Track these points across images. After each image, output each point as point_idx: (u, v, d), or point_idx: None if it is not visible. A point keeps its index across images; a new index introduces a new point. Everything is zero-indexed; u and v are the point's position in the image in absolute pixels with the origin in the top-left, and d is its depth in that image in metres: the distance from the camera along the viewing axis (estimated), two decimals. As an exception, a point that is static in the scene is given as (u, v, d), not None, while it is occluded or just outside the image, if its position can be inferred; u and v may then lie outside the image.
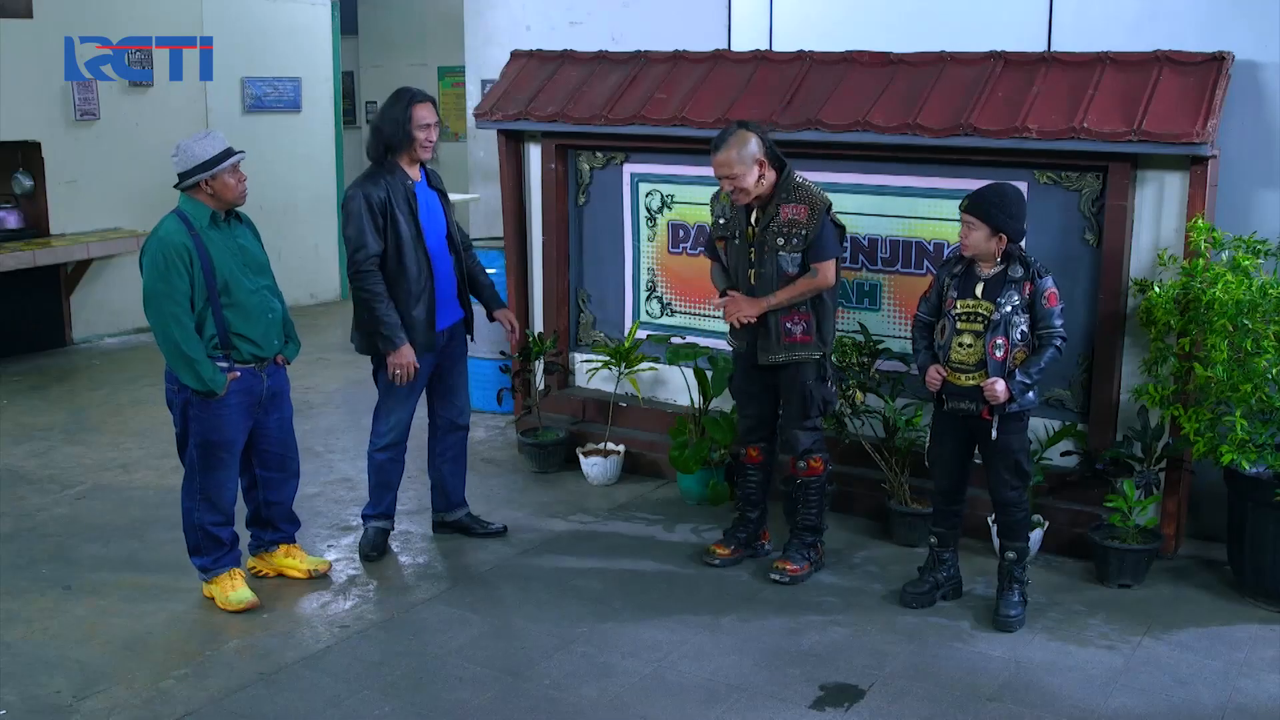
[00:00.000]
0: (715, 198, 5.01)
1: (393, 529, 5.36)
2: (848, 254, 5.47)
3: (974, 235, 4.44)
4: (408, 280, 4.93)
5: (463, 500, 5.49)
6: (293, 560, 4.99)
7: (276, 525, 4.96)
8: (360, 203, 4.86)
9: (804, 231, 4.74)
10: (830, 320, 4.89)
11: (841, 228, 4.92)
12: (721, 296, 5.01)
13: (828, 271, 4.79)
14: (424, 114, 4.92)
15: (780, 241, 4.76)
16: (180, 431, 4.64)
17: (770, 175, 4.78)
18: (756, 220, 4.84)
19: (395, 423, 5.17)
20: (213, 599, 4.72)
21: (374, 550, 5.20)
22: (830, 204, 4.82)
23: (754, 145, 4.72)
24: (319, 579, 4.97)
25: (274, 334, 4.68)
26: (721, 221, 4.98)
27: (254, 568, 4.98)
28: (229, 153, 4.47)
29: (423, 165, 5.09)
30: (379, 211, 4.87)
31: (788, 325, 4.82)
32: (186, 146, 4.46)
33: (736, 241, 4.91)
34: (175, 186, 4.51)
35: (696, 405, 5.94)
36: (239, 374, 4.55)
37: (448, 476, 5.42)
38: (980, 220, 4.42)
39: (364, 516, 5.31)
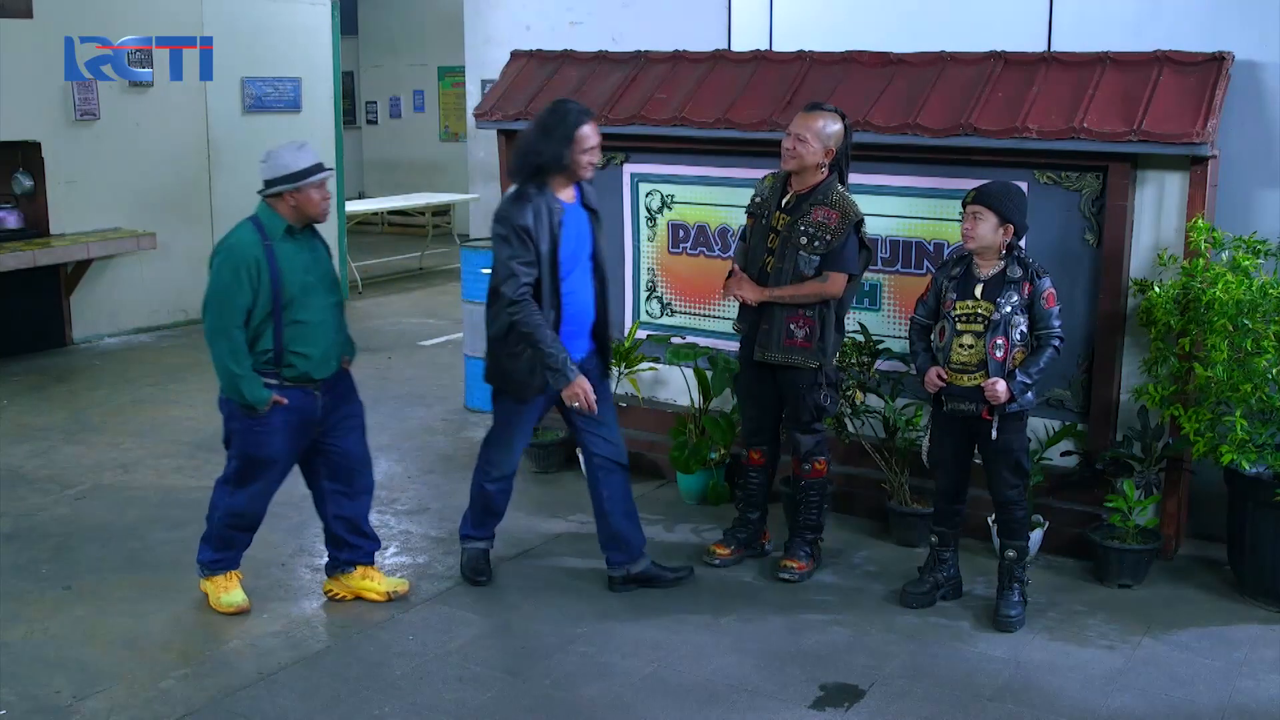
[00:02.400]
0: (762, 179, 5.05)
1: (492, 549, 5.05)
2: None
3: (981, 227, 4.43)
4: None
5: (643, 549, 4.90)
6: (370, 582, 4.74)
7: (348, 542, 4.70)
8: (508, 228, 4.47)
9: (829, 237, 4.74)
10: (833, 334, 4.86)
11: (868, 250, 4.91)
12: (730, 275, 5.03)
13: (837, 282, 4.78)
14: (590, 135, 4.54)
15: (804, 240, 4.76)
16: (226, 432, 4.55)
17: (823, 173, 4.80)
18: (787, 204, 4.84)
19: (513, 456, 4.85)
20: (206, 595, 4.71)
21: (479, 574, 4.92)
22: (862, 219, 4.83)
23: (834, 131, 4.75)
24: (399, 601, 4.74)
25: (333, 355, 4.51)
26: (758, 200, 4.99)
27: (330, 590, 4.77)
28: (319, 168, 4.33)
29: (578, 183, 4.68)
30: (525, 238, 4.46)
31: (791, 327, 4.82)
32: (277, 154, 4.32)
33: (762, 222, 4.93)
34: (259, 192, 4.37)
35: (696, 405, 5.94)
36: (286, 400, 4.38)
37: (624, 528, 4.83)
38: (988, 209, 4.41)
39: (463, 537, 5.01)
